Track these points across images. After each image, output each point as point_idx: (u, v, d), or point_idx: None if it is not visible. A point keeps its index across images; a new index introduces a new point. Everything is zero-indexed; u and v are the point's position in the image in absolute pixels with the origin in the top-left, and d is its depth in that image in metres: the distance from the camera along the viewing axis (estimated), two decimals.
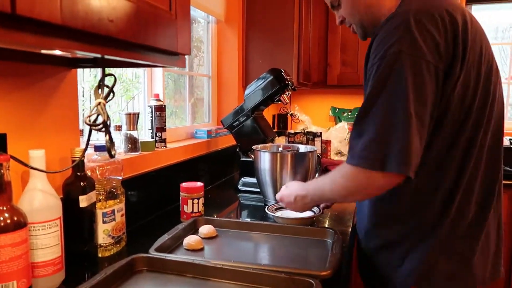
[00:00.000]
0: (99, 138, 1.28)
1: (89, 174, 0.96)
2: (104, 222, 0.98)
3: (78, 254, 0.92)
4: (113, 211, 1.01)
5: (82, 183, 0.91)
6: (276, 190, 1.46)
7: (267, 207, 1.34)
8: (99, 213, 0.97)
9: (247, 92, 1.75)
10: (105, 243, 0.99)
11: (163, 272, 0.90)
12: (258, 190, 1.57)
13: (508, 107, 3.09)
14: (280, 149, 1.53)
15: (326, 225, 1.30)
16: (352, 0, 1.01)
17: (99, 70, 0.84)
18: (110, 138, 0.73)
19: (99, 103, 0.71)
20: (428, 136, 0.86)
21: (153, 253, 0.94)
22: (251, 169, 1.57)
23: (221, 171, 2.00)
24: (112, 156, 0.74)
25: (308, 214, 1.29)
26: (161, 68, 1.67)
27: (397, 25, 0.83)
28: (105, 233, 0.99)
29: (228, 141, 2.07)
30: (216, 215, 1.39)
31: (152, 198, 1.37)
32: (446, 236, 0.92)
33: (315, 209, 1.31)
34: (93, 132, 0.82)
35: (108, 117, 0.72)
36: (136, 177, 1.28)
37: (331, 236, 1.10)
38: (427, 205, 0.93)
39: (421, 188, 0.92)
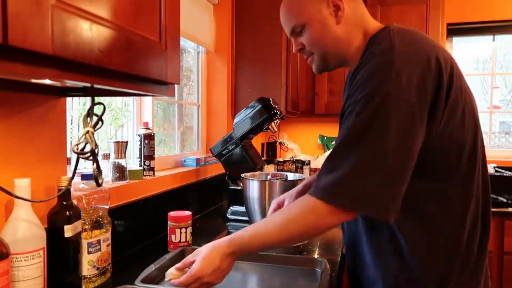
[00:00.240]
0: (86, 166, 1.27)
1: (75, 203, 0.94)
2: (89, 252, 0.96)
3: (61, 285, 0.89)
4: (98, 241, 0.99)
5: (67, 212, 0.90)
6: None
7: None
8: (84, 243, 0.95)
9: (236, 120, 1.76)
10: (90, 275, 0.97)
11: None
12: (247, 218, 1.56)
13: (491, 135, 3.17)
14: (269, 177, 1.54)
15: (315, 254, 1.29)
16: (321, 30, 0.93)
17: (88, 99, 0.84)
18: (98, 167, 0.72)
19: (88, 132, 0.71)
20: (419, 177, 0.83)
21: (138, 284, 0.92)
22: (240, 197, 1.57)
23: (209, 200, 1.99)
24: (99, 185, 0.74)
25: None
26: (150, 97, 1.69)
27: (382, 65, 0.80)
28: (90, 264, 0.96)
29: (217, 169, 2.07)
30: (204, 245, 1.37)
31: (139, 227, 1.35)
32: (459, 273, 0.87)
33: None
34: (81, 160, 0.82)
35: (96, 145, 0.71)
36: (123, 206, 1.27)
37: (320, 265, 1.09)
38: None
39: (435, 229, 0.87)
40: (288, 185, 1.46)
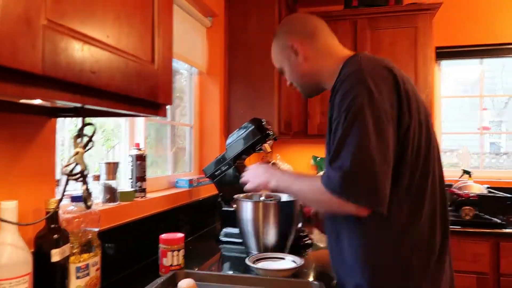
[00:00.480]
0: (77, 188, 1.24)
1: (64, 226, 0.92)
2: (77, 277, 0.93)
3: None
4: (87, 266, 0.96)
5: (55, 235, 0.87)
6: (258, 240, 1.43)
7: (247, 258, 1.30)
8: (72, 267, 0.93)
9: (228, 141, 1.76)
10: None
11: None
12: (241, 240, 1.53)
13: (482, 156, 3.19)
14: (262, 198, 1.52)
15: (311, 278, 1.26)
16: (292, 69, 1.20)
17: (80, 119, 0.83)
18: (87, 188, 0.71)
19: (77, 152, 0.70)
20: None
21: None
22: (233, 219, 1.54)
23: (202, 221, 1.96)
24: (88, 207, 0.72)
25: (289, 265, 1.26)
26: (142, 118, 1.68)
27: (355, 82, 0.97)
28: None
29: (210, 190, 2.05)
30: (197, 268, 1.34)
31: (130, 251, 1.32)
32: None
33: (296, 259, 1.28)
34: (71, 182, 0.80)
35: (85, 166, 0.70)
36: (113, 228, 1.24)
37: None
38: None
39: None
40: (282, 206, 1.45)
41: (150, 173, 1.72)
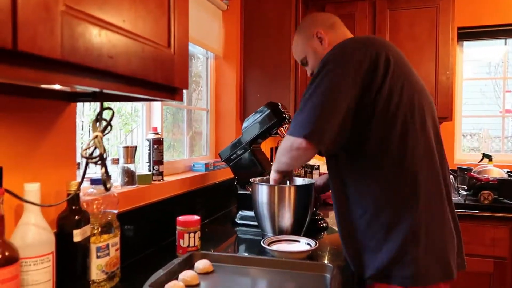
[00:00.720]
0: (97, 171, 1.27)
1: (84, 207, 0.95)
2: (98, 257, 0.96)
3: None
4: (107, 246, 0.99)
5: (76, 216, 0.90)
6: (274, 223, 1.45)
7: (262, 240, 1.32)
8: (93, 247, 0.96)
9: (244, 125, 1.76)
10: (98, 279, 0.97)
11: None
12: (256, 223, 1.55)
13: (504, 140, 3.12)
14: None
15: (325, 260, 1.27)
16: (315, 56, 1.33)
17: (98, 104, 0.85)
18: (106, 171, 0.73)
19: (96, 136, 0.71)
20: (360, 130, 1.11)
21: None
22: (249, 202, 1.56)
23: (218, 205, 1.99)
24: (107, 189, 0.74)
25: (304, 248, 1.27)
26: (159, 102, 1.69)
27: (332, 50, 1.14)
28: (98, 268, 0.97)
29: (225, 174, 2.07)
30: (213, 249, 1.36)
31: (148, 232, 1.35)
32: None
33: (311, 242, 1.29)
34: (91, 165, 0.82)
35: (104, 150, 0.72)
36: (132, 210, 1.27)
37: (330, 271, 1.08)
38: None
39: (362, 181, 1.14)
40: (298, 190, 1.45)
41: (167, 157, 1.75)
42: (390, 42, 1.21)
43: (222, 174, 2.06)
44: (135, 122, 1.71)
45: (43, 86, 0.72)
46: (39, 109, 0.92)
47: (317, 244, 1.28)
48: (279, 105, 1.70)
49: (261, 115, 1.70)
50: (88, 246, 0.94)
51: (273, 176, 1.40)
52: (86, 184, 1.02)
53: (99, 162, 0.72)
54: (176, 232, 1.27)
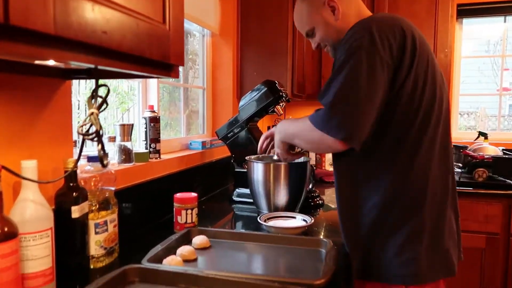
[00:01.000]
0: (93, 150, 1.28)
1: (82, 184, 0.95)
2: (96, 233, 0.98)
3: (69, 265, 0.91)
4: (105, 222, 1.00)
5: (74, 193, 0.91)
6: (269, 201, 1.47)
7: (259, 216, 1.34)
8: (91, 224, 0.97)
9: (241, 103, 1.76)
10: (97, 254, 0.99)
11: (156, 283, 0.90)
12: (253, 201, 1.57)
13: (500, 119, 3.13)
14: (275, 157, 1.52)
15: (321, 235, 1.30)
16: (326, 28, 1.18)
17: (94, 82, 0.84)
18: (103, 148, 0.73)
19: (92, 113, 0.71)
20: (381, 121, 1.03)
21: (145, 263, 0.94)
22: (246, 180, 1.57)
23: (215, 182, 2.00)
24: (104, 166, 0.75)
25: (300, 223, 1.29)
26: (155, 80, 1.68)
27: (360, 28, 1.02)
28: (97, 244, 0.98)
29: (222, 152, 2.08)
30: (210, 226, 1.38)
31: (146, 209, 1.37)
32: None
33: (307, 218, 1.31)
34: (89, 143, 0.82)
35: (100, 127, 0.72)
36: (129, 188, 1.28)
37: (325, 246, 1.10)
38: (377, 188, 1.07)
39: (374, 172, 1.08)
40: (293, 168, 1.46)
41: (164, 136, 1.75)
42: (411, 23, 1.11)
43: (219, 152, 2.07)
44: (132, 101, 1.71)
45: (37, 62, 0.72)
46: (34, 86, 0.92)
47: (313, 220, 1.30)
48: (276, 83, 1.70)
49: (258, 93, 1.69)
50: (87, 223, 0.96)
51: (280, 145, 1.25)
52: (83, 161, 1.03)
53: (96, 139, 0.72)
54: (174, 209, 1.29)
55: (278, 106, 1.73)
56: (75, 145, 1.13)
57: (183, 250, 1.05)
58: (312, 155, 2.69)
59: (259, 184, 1.47)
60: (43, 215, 0.80)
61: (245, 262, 1.09)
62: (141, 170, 1.37)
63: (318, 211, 1.62)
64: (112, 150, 1.33)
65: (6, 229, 0.70)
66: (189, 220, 1.27)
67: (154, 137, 1.51)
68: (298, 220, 1.33)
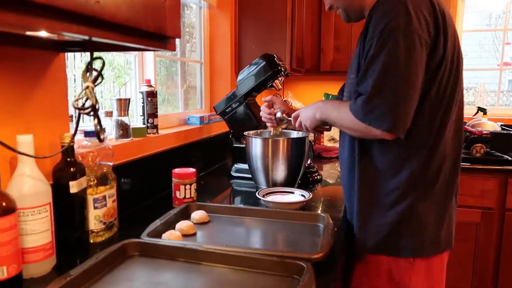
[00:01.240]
0: (91, 125, 1.26)
1: (79, 159, 0.95)
2: (95, 208, 0.98)
3: (69, 240, 0.92)
4: (104, 197, 1.00)
5: (72, 168, 0.90)
6: (267, 176, 1.47)
7: (257, 192, 1.35)
8: (90, 199, 0.97)
9: (239, 78, 1.73)
10: (97, 229, 0.99)
11: (155, 257, 0.90)
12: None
13: (499, 94, 3.11)
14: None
15: (318, 210, 1.30)
16: None
17: (88, 55, 0.82)
18: (99, 122, 0.72)
19: (87, 87, 0.70)
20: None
21: (145, 238, 0.94)
22: (244, 155, 1.57)
23: (214, 158, 2.00)
24: (101, 140, 0.74)
25: (298, 199, 1.30)
26: (152, 53, 1.65)
27: (394, 3, 0.95)
28: (96, 219, 0.98)
29: (221, 127, 2.06)
30: (209, 201, 1.39)
31: (144, 185, 1.37)
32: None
33: (305, 193, 1.31)
34: (86, 119, 0.81)
35: (96, 100, 0.70)
36: (127, 163, 1.28)
37: (323, 220, 1.11)
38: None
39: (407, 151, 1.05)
40: (291, 143, 1.46)
41: (161, 111, 1.73)
42: None
43: (217, 127, 2.06)
44: (128, 75, 1.68)
45: (29, 33, 0.69)
46: (27, 58, 0.89)
47: (311, 196, 1.31)
48: (275, 57, 1.67)
49: (256, 67, 1.67)
50: (85, 198, 0.96)
51: (314, 122, 1.20)
52: (80, 136, 1.02)
53: (91, 113, 0.70)
54: (172, 184, 1.28)
55: (277, 81, 1.71)
56: (72, 120, 1.11)
57: (182, 224, 1.06)
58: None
59: (257, 159, 1.47)
60: (41, 190, 0.80)
61: (243, 236, 1.10)
62: (138, 145, 1.36)
63: (316, 186, 1.63)
64: (109, 125, 1.32)
65: (4, 204, 0.70)
66: (187, 195, 1.27)
67: (151, 112, 1.49)
68: (296, 195, 1.34)
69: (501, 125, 2.63)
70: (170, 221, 1.08)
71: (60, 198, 0.88)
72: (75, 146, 0.94)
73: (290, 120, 1.36)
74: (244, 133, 1.56)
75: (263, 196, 1.31)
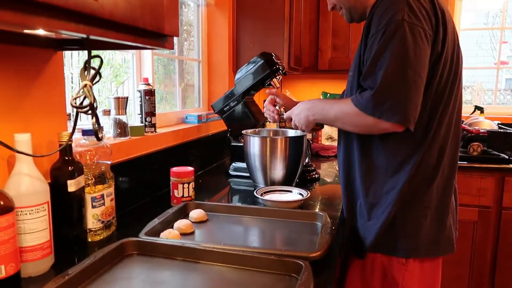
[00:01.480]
0: (88, 123, 1.26)
1: (77, 158, 0.94)
2: (93, 206, 0.98)
3: (67, 239, 0.92)
4: (102, 196, 1.00)
5: (70, 167, 0.90)
6: (265, 175, 1.47)
7: (255, 190, 1.35)
8: (88, 197, 0.97)
9: (237, 76, 1.73)
10: (95, 228, 0.99)
11: (153, 256, 0.90)
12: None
13: (496, 93, 3.12)
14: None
15: (316, 209, 1.31)
16: None
17: (87, 53, 0.82)
18: (97, 121, 0.72)
19: (85, 85, 0.70)
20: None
21: (143, 237, 0.94)
22: (242, 154, 1.57)
23: (212, 156, 2.00)
24: (99, 139, 0.73)
25: (296, 197, 1.30)
26: (150, 52, 1.65)
27: (397, 5, 0.96)
28: (94, 217, 0.98)
29: (218, 126, 2.06)
30: (207, 200, 1.39)
31: (142, 183, 1.37)
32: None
33: (303, 192, 1.32)
34: (83, 117, 0.81)
35: (94, 99, 0.70)
36: (125, 162, 1.27)
37: (321, 219, 1.11)
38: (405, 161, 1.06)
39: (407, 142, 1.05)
40: (290, 142, 1.46)
41: (159, 110, 1.73)
42: None
43: (215, 126, 2.06)
44: (126, 73, 1.67)
45: (26, 31, 0.69)
46: (25, 57, 0.89)
47: (309, 194, 1.31)
48: (273, 55, 1.67)
49: (254, 66, 1.67)
50: (83, 196, 0.95)
51: (308, 124, 1.20)
52: (78, 135, 1.02)
53: (89, 112, 0.70)
54: (170, 183, 1.28)
55: (275, 79, 1.71)
56: (69, 119, 1.11)
57: (180, 223, 1.06)
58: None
59: (255, 158, 1.47)
60: (39, 189, 0.79)
61: (242, 235, 1.10)
62: (136, 144, 1.36)
63: (314, 185, 1.63)
64: (107, 124, 1.31)
65: (1, 202, 0.70)
66: (186, 194, 1.27)
67: (149, 111, 1.49)
68: (294, 194, 1.34)
69: (498, 123, 2.64)
70: (168, 220, 1.08)
71: (58, 197, 0.88)
72: (73, 145, 0.94)
73: None
74: (242, 132, 1.56)
75: (261, 195, 1.31)
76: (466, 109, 2.93)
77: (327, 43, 2.75)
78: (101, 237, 1.00)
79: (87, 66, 0.72)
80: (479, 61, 3.24)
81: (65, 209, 0.91)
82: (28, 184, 0.78)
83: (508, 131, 2.44)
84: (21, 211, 0.77)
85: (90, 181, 0.97)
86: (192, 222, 1.11)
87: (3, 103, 0.85)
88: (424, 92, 0.99)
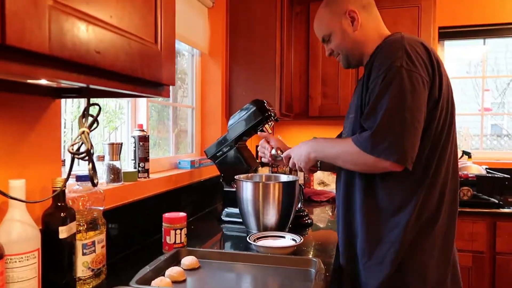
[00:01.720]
0: (81, 169, 1.26)
1: (70, 204, 0.94)
2: (84, 254, 0.96)
3: (56, 287, 0.89)
4: (93, 243, 0.99)
5: (62, 213, 0.90)
6: (258, 220, 1.46)
7: (248, 236, 1.33)
8: (79, 244, 0.95)
9: (230, 122, 1.77)
10: (84, 276, 0.97)
11: None
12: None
13: (483, 138, 3.20)
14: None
15: (310, 255, 1.29)
16: (342, 36, 1.21)
17: (82, 101, 0.84)
18: (93, 167, 0.72)
19: (83, 132, 0.71)
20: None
21: (133, 285, 0.92)
22: (235, 199, 1.57)
23: (204, 202, 1.99)
24: (94, 185, 0.74)
25: (289, 243, 1.29)
26: (145, 99, 1.69)
27: (395, 48, 1.04)
28: (84, 265, 0.96)
29: (211, 171, 2.07)
30: (199, 246, 1.37)
31: (134, 229, 1.35)
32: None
33: (296, 238, 1.31)
34: (76, 162, 0.82)
35: (91, 145, 0.72)
36: (118, 207, 1.26)
37: (314, 265, 1.10)
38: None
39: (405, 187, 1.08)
40: (282, 187, 1.47)
41: (152, 155, 1.74)
42: None
43: (208, 171, 2.07)
44: (120, 119, 1.70)
45: (29, 81, 0.72)
46: (24, 104, 0.91)
47: (302, 240, 1.30)
48: (265, 102, 1.72)
49: (246, 113, 1.71)
50: (74, 243, 0.94)
51: (309, 162, 1.24)
52: (71, 181, 1.02)
53: (86, 158, 0.72)
54: (162, 229, 1.27)
55: (267, 126, 1.75)
56: (63, 164, 1.12)
57: (172, 271, 1.04)
58: (301, 174, 2.71)
59: (248, 203, 1.47)
60: (30, 236, 0.79)
61: (234, 282, 1.08)
62: (129, 190, 1.36)
63: (307, 230, 1.62)
64: (101, 169, 1.32)
65: None
66: (178, 240, 1.26)
67: (143, 156, 1.50)
68: (288, 240, 1.33)
69: (486, 168, 2.69)
70: (159, 267, 1.06)
71: (48, 243, 0.87)
72: (66, 191, 0.94)
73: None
74: (235, 177, 1.57)
75: (254, 241, 1.30)
76: None
77: (316, 90, 2.84)
78: (90, 286, 0.98)
79: (85, 113, 0.74)
80: (465, 107, 3.35)
81: (55, 256, 0.89)
82: (20, 231, 0.77)
83: (496, 175, 2.48)
84: (11, 259, 0.75)
85: (82, 228, 0.97)
86: (184, 269, 1.09)
87: (1, 149, 0.85)
88: (423, 135, 1.04)
